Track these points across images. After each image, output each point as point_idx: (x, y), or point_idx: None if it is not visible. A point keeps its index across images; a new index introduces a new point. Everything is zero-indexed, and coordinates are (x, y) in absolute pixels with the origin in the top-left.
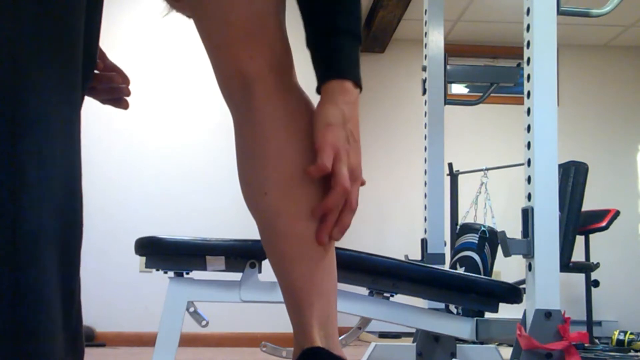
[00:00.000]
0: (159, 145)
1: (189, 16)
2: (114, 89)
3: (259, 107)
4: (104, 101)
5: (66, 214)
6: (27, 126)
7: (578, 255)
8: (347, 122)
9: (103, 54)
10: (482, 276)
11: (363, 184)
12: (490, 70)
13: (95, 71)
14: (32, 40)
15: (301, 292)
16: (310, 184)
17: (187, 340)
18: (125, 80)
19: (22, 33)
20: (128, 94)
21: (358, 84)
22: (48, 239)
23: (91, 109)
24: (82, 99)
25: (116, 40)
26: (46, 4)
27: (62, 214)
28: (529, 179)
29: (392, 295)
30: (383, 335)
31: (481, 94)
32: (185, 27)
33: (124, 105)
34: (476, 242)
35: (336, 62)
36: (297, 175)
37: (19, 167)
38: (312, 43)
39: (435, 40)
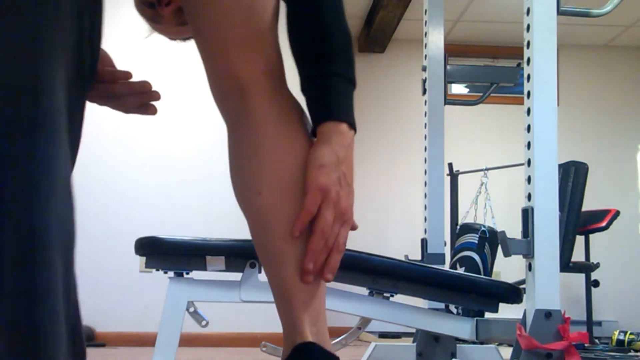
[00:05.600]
0: (159, 145)
1: (171, 38)
2: (144, 95)
3: (254, 110)
4: (129, 110)
5: (66, 212)
6: (43, 127)
7: (578, 255)
8: (340, 163)
9: (113, 63)
10: (482, 276)
11: (354, 228)
12: (490, 70)
13: (125, 80)
14: (46, 42)
15: (293, 290)
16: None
17: (187, 340)
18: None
19: (38, 34)
20: (158, 97)
21: (353, 127)
22: (54, 238)
23: (91, 110)
24: (84, 101)
25: (115, 43)
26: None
27: (63, 213)
28: (529, 179)
29: (392, 295)
30: (383, 335)
31: (481, 94)
32: None
33: (152, 110)
34: (476, 242)
35: (332, 104)
36: (291, 175)
37: (33, 167)
38: (307, 87)
39: (435, 40)
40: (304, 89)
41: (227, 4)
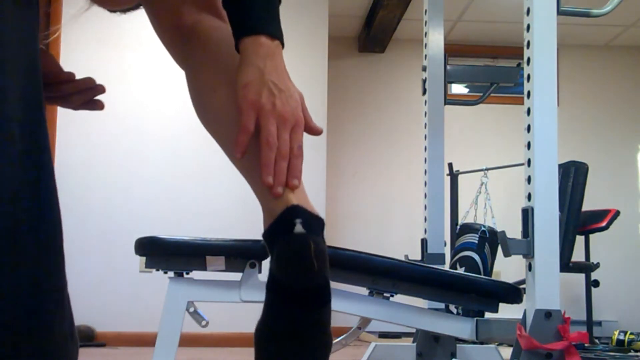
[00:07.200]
0: (158, 145)
1: (110, 10)
2: (90, 91)
3: (199, 48)
4: (78, 107)
5: (42, 206)
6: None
7: (578, 255)
8: (265, 74)
9: (57, 64)
10: (482, 276)
11: (314, 131)
12: (490, 70)
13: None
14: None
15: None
16: None
17: (187, 340)
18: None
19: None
20: (103, 90)
21: (275, 37)
22: (24, 235)
23: (91, 112)
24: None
25: (119, 40)
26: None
27: (36, 207)
28: (529, 179)
29: (392, 295)
30: (383, 335)
31: (481, 94)
32: None
33: (99, 105)
34: (476, 242)
35: (247, 19)
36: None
37: None
38: (227, 3)
39: (435, 40)
40: (225, 5)
41: None
